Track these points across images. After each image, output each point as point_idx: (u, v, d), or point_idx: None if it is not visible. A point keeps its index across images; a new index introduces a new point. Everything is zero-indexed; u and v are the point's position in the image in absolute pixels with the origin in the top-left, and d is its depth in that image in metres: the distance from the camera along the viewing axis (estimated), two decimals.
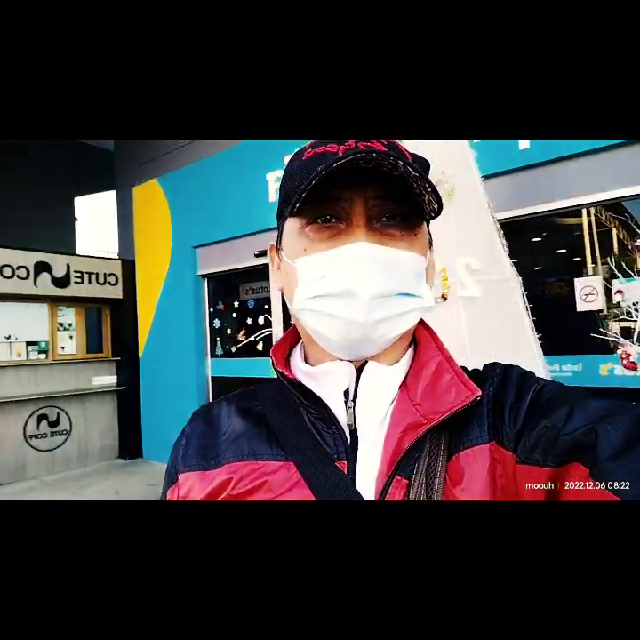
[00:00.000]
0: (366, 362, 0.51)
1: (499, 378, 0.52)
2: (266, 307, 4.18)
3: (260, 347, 3.92)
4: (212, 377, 4.62)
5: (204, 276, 4.62)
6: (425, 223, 0.51)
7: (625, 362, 2.27)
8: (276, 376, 0.58)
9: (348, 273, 0.46)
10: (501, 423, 0.47)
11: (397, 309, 0.48)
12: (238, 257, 4.23)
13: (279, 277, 0.58)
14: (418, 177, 0.43)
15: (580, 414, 0.42)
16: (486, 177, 2.48)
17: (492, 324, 1.75)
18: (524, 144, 2.66)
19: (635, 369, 2.34)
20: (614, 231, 2.66)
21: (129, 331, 5.12)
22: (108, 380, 5.08)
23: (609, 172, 2.60)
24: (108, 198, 6.32)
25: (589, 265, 2.76)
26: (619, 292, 2.45)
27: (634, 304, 2.32)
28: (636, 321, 2.17)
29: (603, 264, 2.68)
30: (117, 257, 5.59)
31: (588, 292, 2.60)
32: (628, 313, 2.33)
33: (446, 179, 1.87)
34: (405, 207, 0.48)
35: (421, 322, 0.56)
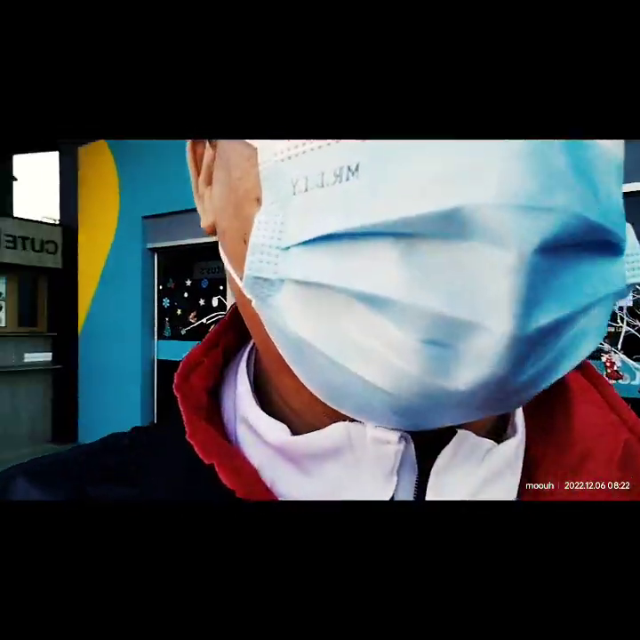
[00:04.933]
0: (447, 432, 0.24)
1: None
2: (220, 288, 3.90)
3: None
4: (159, 360, 4.32)
5: (153, 250, 4.27)
6: None
7: (609, 370, 2.14)
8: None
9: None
10: None
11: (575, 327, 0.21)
12: (193, 231, 3.90)
13: (210, 195, 0.28)
14: None
15: None
16: None
17: None
18: None
19: (619, 378, 2.20)
20: None
21: (68, 304, 4.69)
22: (42, 356, 4.64)
23: None
24: (54, 159, 5.77)
25: None
26: None
27: (620, 308, 2.18)
28: (621, 326, 2.04)
29: None
30: (58, 222, 5.09)
31: None
32: (614, 317, 2.21)
33: None
34: None
35: None
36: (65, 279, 4.69)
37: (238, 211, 0.24)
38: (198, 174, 0.30)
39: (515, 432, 0.28)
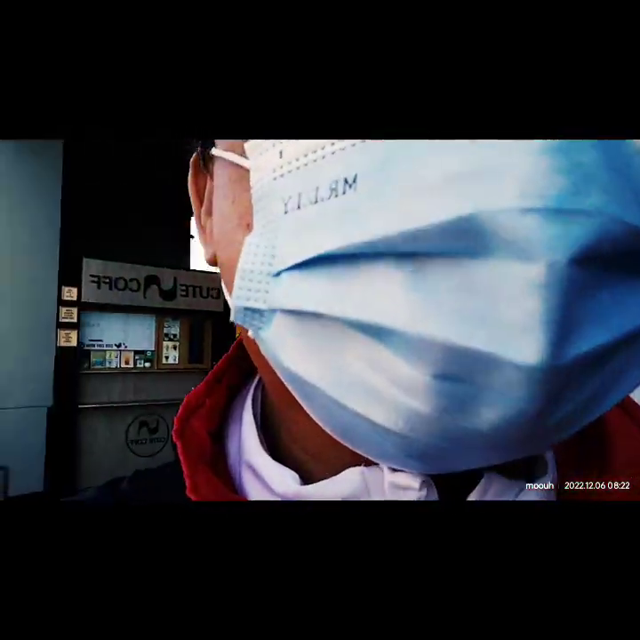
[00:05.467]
0: (473, 474, 0.22)
1: None
2: None
3: None
4: None
5: None
6: None
7: None
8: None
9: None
10: None
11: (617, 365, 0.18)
12: None
13: (211, 226, 0.28)
14: None
15: None
16: None
17: None
18: None
19: None
20: None
21: (227, 342, 5.19)
22: None
23: None
24: None
25: None
26: None
27: None
28: None
29: None
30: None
31: None
32: None
33: None
34: None
35: None
36: (224, 320, 5.23)
37: (231, 239, 0.23)
38: (200, 205, 0.30)
39: (546, 469, 0.25)
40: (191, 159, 0.30)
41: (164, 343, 5.16)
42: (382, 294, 0.17)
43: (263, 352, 0.21)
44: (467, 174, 0.15)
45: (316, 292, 0.18)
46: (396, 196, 0.16)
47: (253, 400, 0.30)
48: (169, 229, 6.71)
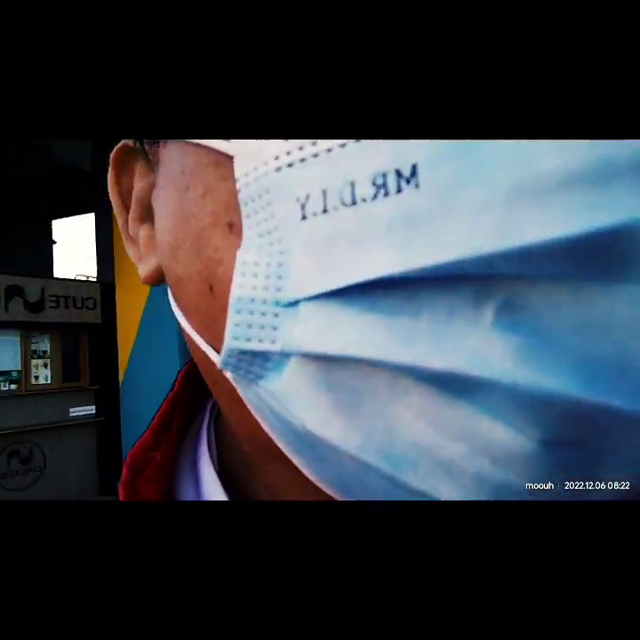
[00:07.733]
0: None
1: None
2: None
3: None
4: None
5: None
6: None
7: None
8: None
9: None
10: None
11: None
12: None
13: (149, 233, 0.22)
14: None
15: None
16: None
17: None
18: None
19: None
20: None
21: (108, 357, 4.82)
22: (86, 410, 4.75)
23: None
24: (89, 221, 6.06)
25: None
26: None
27: None
28: None
29: None
30: (96, 280, 5.31)
31: None
32: None
33: None
34: None
35: None
36: (104, 333, 4.84)
37: (201, 244, 0.17)
38: (127, 211, 0.23)
39: None
40: (111, 155, 0.23)
41: (33, 361, 4.60)
42: (463, 334, 0.13)
43: (256, 403, 0.17)
44: (602, 164, 0.12)
45: (359, 330, 0.13)
46: (489, 199, 0.12)
47: (209, 449, 0.24)
48: (30, 234, 5.98)
